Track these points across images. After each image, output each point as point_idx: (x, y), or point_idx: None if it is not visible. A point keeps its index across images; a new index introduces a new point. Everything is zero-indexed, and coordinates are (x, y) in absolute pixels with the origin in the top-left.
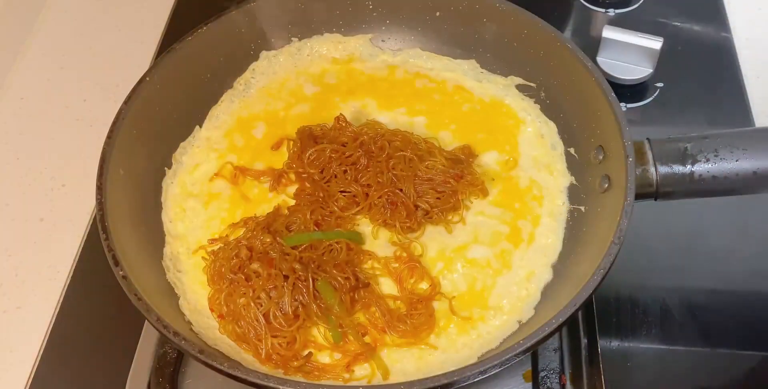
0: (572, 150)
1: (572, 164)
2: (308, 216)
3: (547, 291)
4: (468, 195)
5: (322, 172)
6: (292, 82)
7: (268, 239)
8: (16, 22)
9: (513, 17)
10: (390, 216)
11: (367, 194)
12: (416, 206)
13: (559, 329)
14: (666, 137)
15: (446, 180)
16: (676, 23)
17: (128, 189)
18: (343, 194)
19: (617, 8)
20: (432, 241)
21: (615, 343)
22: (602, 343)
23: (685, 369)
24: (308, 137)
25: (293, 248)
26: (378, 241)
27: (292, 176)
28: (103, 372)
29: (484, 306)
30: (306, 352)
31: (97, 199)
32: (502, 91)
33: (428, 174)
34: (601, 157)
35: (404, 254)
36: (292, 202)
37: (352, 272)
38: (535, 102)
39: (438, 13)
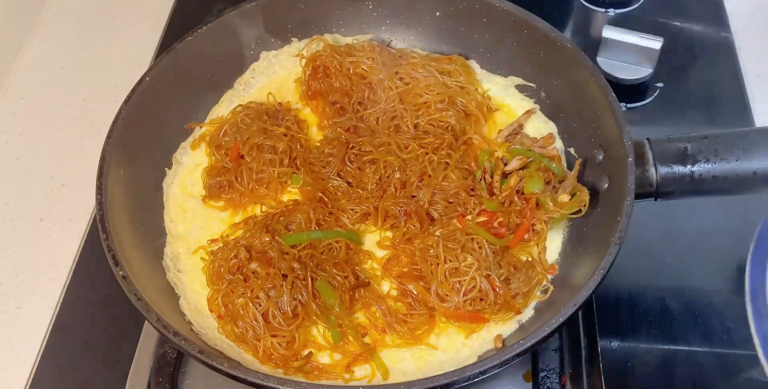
0: (572, 150)
1: (572, 164)
2: (311, 215)
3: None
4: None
5: (324, 167)
6: (292, 83)
7: (266, 238)
8: (16, 22)
9: (513, 17)
10: (404, 224)
11: (376, 208)
12: (427, 214)
13: (559, 329)
14: (666, 137)
15: (458, 192)
16: (676, 23)
17: (128, 189)
18: (353, 210)
19: (617, 8)
20: None
21: (615, 343)
22: (602, 343)
23: (685, 369)
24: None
25: (292, 247)
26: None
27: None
28: (103, 372)
29: None
30: (306, 352)
31: (97, 199)
32: (502, 91)
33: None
34: (601, 157)
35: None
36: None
37: (352, 271)
38: (535, 102)
39: (438, 13)
